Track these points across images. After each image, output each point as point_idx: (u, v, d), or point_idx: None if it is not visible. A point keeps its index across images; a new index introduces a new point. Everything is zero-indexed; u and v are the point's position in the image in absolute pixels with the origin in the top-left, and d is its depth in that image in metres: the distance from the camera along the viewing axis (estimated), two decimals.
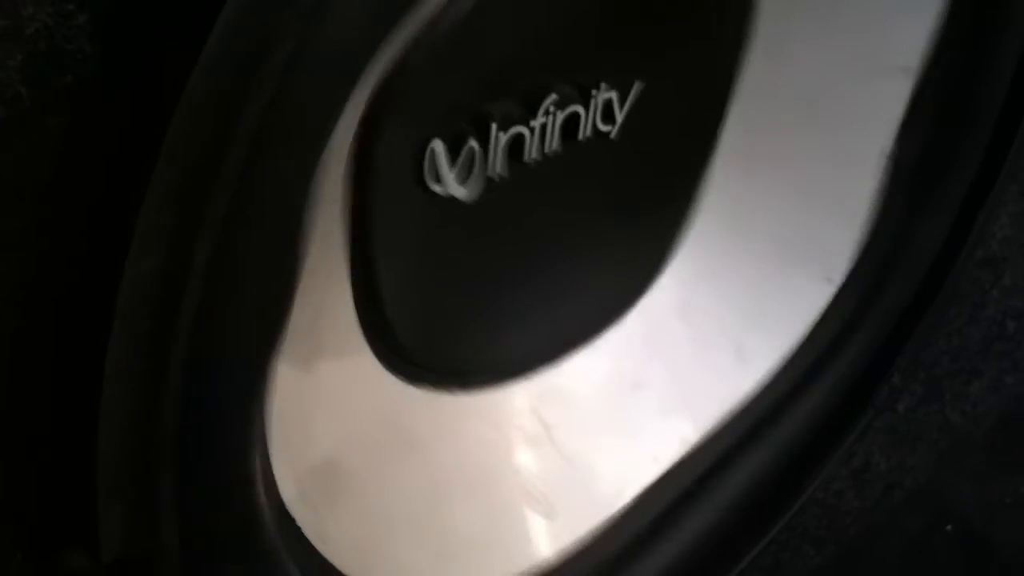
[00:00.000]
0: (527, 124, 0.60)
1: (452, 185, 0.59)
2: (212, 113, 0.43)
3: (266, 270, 0.49)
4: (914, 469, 0.96)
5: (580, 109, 0.63)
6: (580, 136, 0.63)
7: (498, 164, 0.60)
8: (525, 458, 0.72)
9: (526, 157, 0.61)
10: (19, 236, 0.43)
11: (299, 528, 0.58)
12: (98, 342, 0.44)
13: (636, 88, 0.65)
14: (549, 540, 0.71)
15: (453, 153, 0.58)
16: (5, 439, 0.48)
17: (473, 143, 0.58)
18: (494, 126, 0.59)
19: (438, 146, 0.57)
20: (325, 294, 0.58)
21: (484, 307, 0.67)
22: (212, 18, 0.40)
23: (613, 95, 0.64)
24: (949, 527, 0.97)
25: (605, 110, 0.64)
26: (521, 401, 0.72)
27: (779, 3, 0.68)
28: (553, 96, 0.61)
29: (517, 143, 0.60)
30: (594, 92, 0.63)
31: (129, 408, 0.45)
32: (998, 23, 0.72)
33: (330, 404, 0.62)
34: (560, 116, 0.62)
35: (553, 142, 0.62)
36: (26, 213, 0.42)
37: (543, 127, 0.61)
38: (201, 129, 0.43)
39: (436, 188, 0.58)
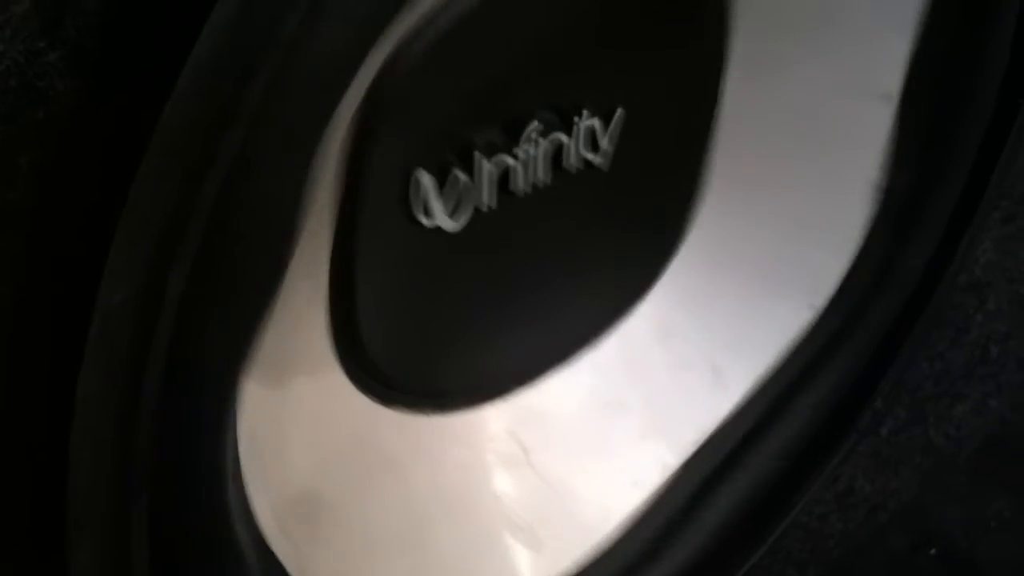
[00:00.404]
0: (511, 152, 0.60)
1: (441, 217, 0.59)
2: (187, 146, 0.42)
3: (241, 297, 0.49)
4: (898, 492, 0.96)
5: (564, 137, 0.63)
6: (566, 164, 0.63)
7: (485, 195, 0.60)
8: (504, 483, 0.72)
9: (513, 187, 0.61)
10: None
11: (279, 562, 0.57)
12: (67, 378, 0.44)
13: (618, 115, 0.65)
14: (533, 573, 0.71)
15: (439, 183, 0.58)
16: None
17: (458, 172, 0.58)
18: (477, 154, 0.59)
19: (424, 177, 0.57)
20: (300, 314, 0.58)
21: (461, 328, 0.67)
22: (184, 55, 0.40)
23: (596, 122, 0.64)
24: (933, 550, 0.97)
25: (589, 137, 0.64)
26: (498, 424, 0.72)
27: (754, 27, 0.68)
28: (535, 123, 0.61)
29: (504, 174, 0.60)
30: (576, 119, 0.63)
31: (100, 444, 0.45)
32: (975, 50, 0.72)
33: (303, 427, 0.61)
34: (544, 144, 0.62)
35: (539, 171, 0.62)
36: None
37: (528, 155, 0.61)
38: (175, 161, 0.43)
39: (424, 220, 0.58)
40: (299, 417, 0.61)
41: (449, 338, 0.67)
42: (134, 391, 0.45)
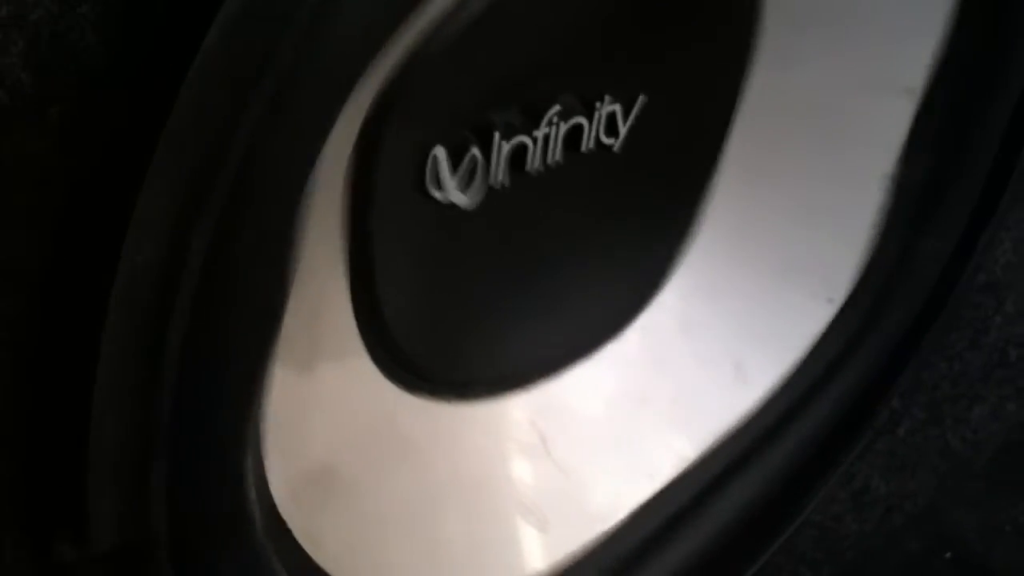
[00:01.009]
0: (530, 134, 0.61)
1: (453, 192, 0.59)
2: (210, 112, 0.43)
3: (261, 268, 0.49)
4: (914, 494, 0.96)
5: (584, 121, 0.63)
6: (583, 148, 0.64)
7: (500, 173, 0.60)
8: (521, 470, 0.72)
9: (528, 167, 0.61)
10: (17, 221, 0.43)
11: (289, 529, 0.58)
12: (93, 331, 0.44)
13: (640, 102, 0.65)
14: (542, 553, 0.71)
15: (455, 161, 0.58)
16: None
17: (475, 151, 0.59)
18: (497, 135, 0.59)
19: (440, 153, 0.58)
20: (323, 297, 0.58)
21: (484, 317, 0.67)
22: (214, 11, 0.41)
23: (617, 108, 0.65)
24: (948, 553, 0.97)
25: (609, 123, 0.65)
26: (519, 413, 0.72)
27: (784, 20, 0.68)
28: (557, 107, 0.62)
29: (519, 153, 0.61)
30: (598, 104, 0.64)
31: (122, 401, 0.46)
32: (1002, 46, 0.73)
33: (326, 407, 0.62)
34: (563, 127, 0.62)
35: (556, 152, 0.62)
36: (24, 199, 0.43)
37: (546, 137, 0.62)
38: (199, 126, 0.43)
39: (437, 195, 0.59)
40: (324, 399, 0.61)
41: (471, 325, 0.67)
42: (157, 350, 0.46)
